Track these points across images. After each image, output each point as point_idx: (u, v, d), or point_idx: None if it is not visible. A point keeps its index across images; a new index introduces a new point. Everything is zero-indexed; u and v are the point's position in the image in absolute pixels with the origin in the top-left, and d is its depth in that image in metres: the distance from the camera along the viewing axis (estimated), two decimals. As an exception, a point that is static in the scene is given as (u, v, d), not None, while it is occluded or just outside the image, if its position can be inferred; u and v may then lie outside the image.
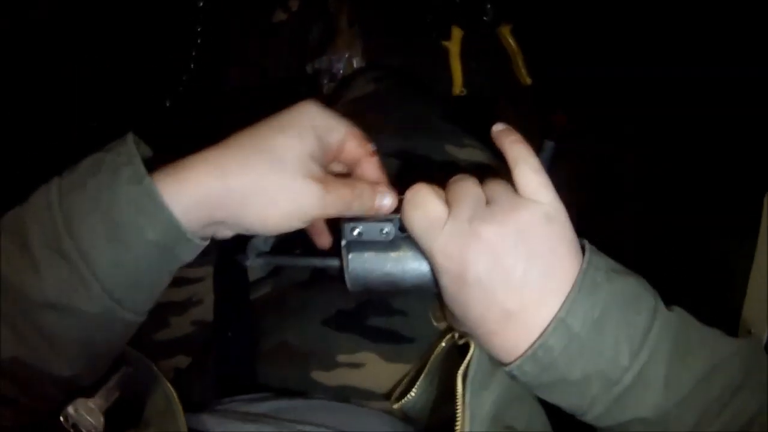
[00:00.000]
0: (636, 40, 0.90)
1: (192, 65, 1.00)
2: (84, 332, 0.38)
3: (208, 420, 0.42)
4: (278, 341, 0.54)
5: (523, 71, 1.00)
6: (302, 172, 0.38)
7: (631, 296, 0.37)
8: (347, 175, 0.44)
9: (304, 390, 0.53)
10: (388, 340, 0.52)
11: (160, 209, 0.36)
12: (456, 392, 0.38)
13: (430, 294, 0.43)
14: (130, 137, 0.39)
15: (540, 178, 0.38)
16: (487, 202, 0.38)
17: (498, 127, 0.40)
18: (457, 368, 0.39)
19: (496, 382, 0.40)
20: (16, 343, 0.37)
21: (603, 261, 0.38)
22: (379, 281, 0.43)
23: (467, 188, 0.39)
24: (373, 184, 0.42)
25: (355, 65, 0.93)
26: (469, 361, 0.39)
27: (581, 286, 0.36)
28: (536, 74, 1.01)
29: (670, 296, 0.39)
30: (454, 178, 0.40)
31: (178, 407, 0.38)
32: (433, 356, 0.44)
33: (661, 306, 0.37)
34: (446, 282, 0.38)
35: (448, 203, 0.39)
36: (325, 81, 0.92)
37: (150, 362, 0.42)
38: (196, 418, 0.42)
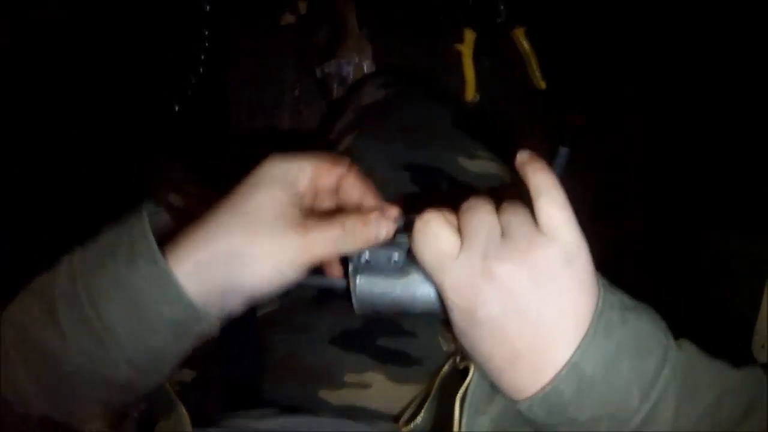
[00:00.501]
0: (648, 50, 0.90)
1: (200, 69, 0.99)
2: (108, 394, 0.40)
3: None
4: (285, 359, 0.54)
5: (538, 75, 0.99)
6: (278, 225, 0.39)
7: (643, 337, 0.36)
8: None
9: (310, 408, 0.52)
10: (396, 361, 0.52)
11: (174, 290, 0.38)
12: (453, 416, 0.38)
13: (439, 318, 0.42)
14: (145, 219, 0.40)
15: (564, 215, 0.36)
16: (503, 234, 0.37)
17: (522, 157, 0.38)
18: (458, 391, 0.39)
19: (494, 405, 0.39)
20: (45, 402, 0.39)
21: (617, 299, 0.37)
22: (388, 306, 0.42)
23: (481, 219, 0.37)
24: (364, 215, 0.41)
25: (365, 69, 0.92)
26: (468, 385, 0.39)
27: (596, 329, 0.35)
28: (551, 78, 0.99)
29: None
30: (468, 204, 0.38)
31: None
32: (437, 379, 0.44)
33: (672, 344, 0.37)
34: (456, 317, 0.37)
35: (460, 233, 0.38)
36: (335, 85, 0.91)
37: (169, 388, 0.43)
38: None
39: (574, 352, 0.34)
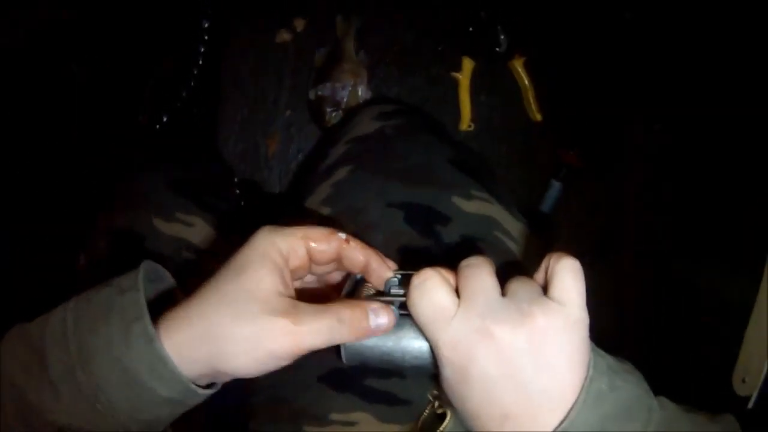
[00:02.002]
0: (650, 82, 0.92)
1: (192, 82, 0.98)
2: None
3: None
4: (272, 396, 0.55)
5: (534, 107, 1.00)
6: (267, 312, 0.38)
7: (629, 404, 0.37)
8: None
9: None
10: (384, 401, 0.53)
11: (171, 373, 0.38)
12: None
13: (429, 374, 0.42)
14: (141, 280, 0.40)
15: (580, 287, 0.37)
16: (506, 295, 0.38)
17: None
18: None
19: None
20: None
21: (604, 362, 0.38)
22: (377, 359, 0.42)
23: (482, 280, 0.38)
24: (362, 306, 0.41)
25: (360, 94, 0.91)
26: (443, 430, 0.41)
27: (586, 398, 0.36)
28: (547, 111, 1.00)
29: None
30: (467, 262, 0.39)
31: None
32: (419, 422, 0.46)
33: (654, 405, 0.38)
34: (448, 373, 0.38)
35: (458, 291, 0.38)
36: (329, 109, 0.90)
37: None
38: None
39: (563, 421, 0.35)
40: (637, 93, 0.95)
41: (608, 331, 0.42)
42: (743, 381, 0.59)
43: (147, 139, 0.98)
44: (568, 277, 0.37)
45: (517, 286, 0.38)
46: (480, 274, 0.38)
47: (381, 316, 0.40)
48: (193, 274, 0.57)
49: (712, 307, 0.70)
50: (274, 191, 0.97)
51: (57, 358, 0.39)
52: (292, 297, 0.40)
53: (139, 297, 0.39)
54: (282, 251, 0.40)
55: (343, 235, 0.42)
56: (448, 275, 0.39)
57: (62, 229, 0.87)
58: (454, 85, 1.00)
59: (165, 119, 0.99)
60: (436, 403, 0.44)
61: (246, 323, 0.38)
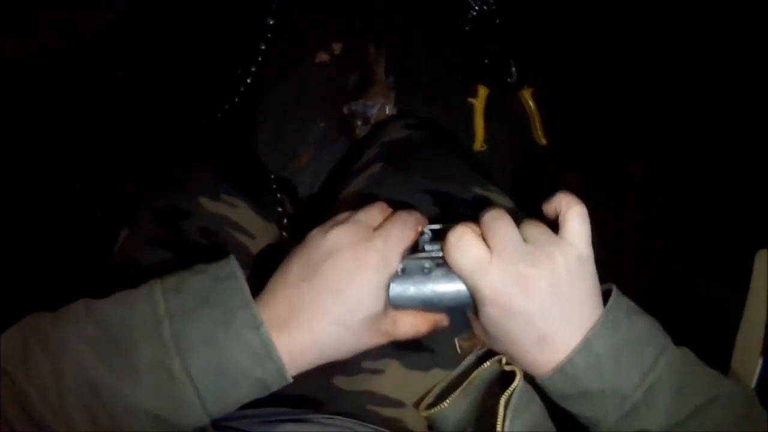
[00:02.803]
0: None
1: (235, 98, 1.05)
2: None
3: None
4: None
5: (540, 132, 1.07)
6: (371, 335, 0.44)
7: (645, 332, 0.43)
8: None
9: (321, 398, 0.56)
10: (410, 348, 0.55)
11: (271, 358, 0.40)
12: (498, 415, 0.42)
13: (463, 311, 0.47)
14: (238, 269, 0.42)
15: (586, 229, 0.43)
16: (526, 240, 0.43)
17: (562, 194, 0.45)
18: (499, 391, 0.44)
19: (528, 413, 0.44)
20: (91, 430, 0.38)
21: (625, 302, 0.44)
22: (419, 304, 0.46)
23: (506, 230, 0.43)
24: (437, 318, 0.47)
25: (387, 112, 0.99)
26: (514, 389, 0.43)
27: (605, 319, 0.42)
28: (552, 136, 1.07)
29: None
30: (489, 215, 0.43)
31: None
32: (474, 374, 0.48)
33: (670, 343, 0.44)
34: (491, 311, 0.43)
35: (487, 241, 0.43)
36: (359, 123, 0.99)
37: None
38: None
39: (588, 333, 0.41)
40: (635, 109, 1.00)
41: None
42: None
43: (190, 139, 1.01)
44: (577, 222, 0.42)
45: (533, 231, 0.43)
46: (504, 224, 0.43)
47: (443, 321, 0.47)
48: (234, 249, 0.62)
49: (707, 308, 0.71)
50: (306, 194, 1.03)
51: (146, 346, 0.39)
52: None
53: (241, 285, 0.41)
54: (392, 273, 0.43)
55: (421, 225, 0.46)
56: (477, 229, 0.43)
57: (61, 230, 0.90)
58: (470, 109, 1.06)
59: (204, 126, 1.04)
60: (503, 359, 0.46)
61: (352, 341, 0.43)
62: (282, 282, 0.43)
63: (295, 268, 0.43)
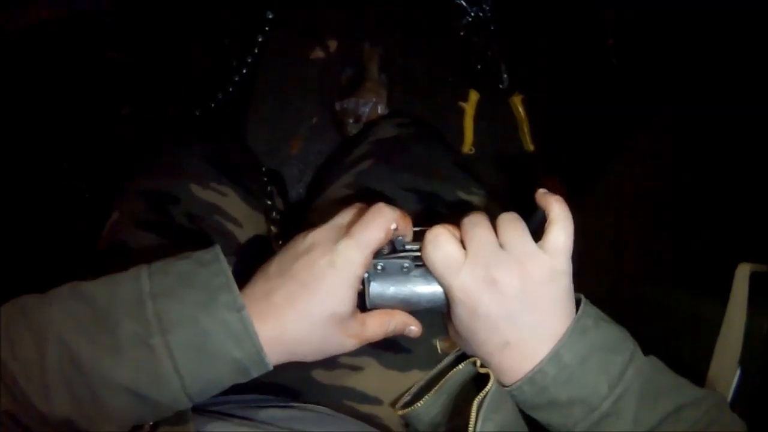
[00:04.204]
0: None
1: (229, 88, 1.05)
2: (142, 413, 0.41)
3: (204, 421, 0.45)
4: None
5: (528, 138, 1.08)
6: (340, 333, 0.44)
7: (613, 341, 0.43)
8: None
9: (299, 388, 0.56)
10: (389, 348, 0.55)
11: (250, 340, 0.40)
12: (470, 416, 0.43)
13: (441, 312, 0.48)
14: (222, 255, 0.42)
15: (568, 243, 0.43)
16: (502, 246, 0.43)
17: (542, 191, 0.45)
18: (473, 393, 0.44)
19: (500, 414, 0.44)
20: (71, 407, 0.39)
21: (594, 311, 0.45)
22: (397, 304, 0.47)
23: (483, 234, 0.43)
24: (406, 318, 0.48)
25: (379, 111, 1.00)
26: (487, 392, 0.44)
27: (574, 329, 0.42)
28: (539, 143, 1.09)
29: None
30: (469, 219, 0.45)
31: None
32: (449, 375, 0.48)
33: (638, 351, 0.44)
34: (460, 311, 0.44)
35: (464, 244, 0.44)
36: (350, 120, 1.00)
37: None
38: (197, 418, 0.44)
39: (557, 343, 0.42)
40: (625, 119, 0.99)
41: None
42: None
43: (181, 124, 1.00)
44: (561, 236, 0.42)
45: (511, 237, 0.43)
46: (482, 229, 0.43)
47: (413, 327, 0.48)
48: (221, 236, 0.63)
49: (686, 317, 0.71)
50: (294, 184, 1.04)
51: (128, 323, 0.39)
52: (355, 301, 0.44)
53: (224, 269, 0.42)
54: (359, 274, 0.43)
55: (394, 226, 0.45)
56: (454, 230, 0.45)
57: (47, 211, 0.90)
58: (460, 112, 1.07)
59: (197, 114, 1.03)
60: (478, 362, 0.46)
61: (318, 339, 0.43)
62: (262, 277, 0.44)
63: (274, 265, 0.44)
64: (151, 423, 0.43)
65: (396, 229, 0.46)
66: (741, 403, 0.46)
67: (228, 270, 0.42)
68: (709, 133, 0.82)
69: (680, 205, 0.84)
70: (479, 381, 0.46)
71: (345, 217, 0.47)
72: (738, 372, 0.59)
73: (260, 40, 1.01)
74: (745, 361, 0.59)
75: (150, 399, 0.40)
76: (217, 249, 0.43)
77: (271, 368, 0.43)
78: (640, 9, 0.98)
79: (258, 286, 0.44)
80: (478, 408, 0.43)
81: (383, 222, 0.44)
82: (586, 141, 1.05)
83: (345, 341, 0.44)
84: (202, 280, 0.41)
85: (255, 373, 0.42)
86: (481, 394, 0.44)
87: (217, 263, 0.42)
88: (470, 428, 0.43)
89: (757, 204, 0.70)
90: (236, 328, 0.40)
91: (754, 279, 0.61)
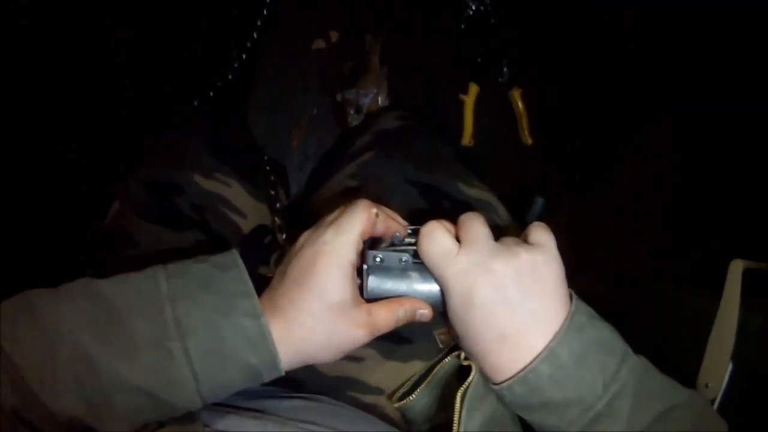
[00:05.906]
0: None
1: (229, 75, 1.04)
2: (153, 413, 0.41)
3: (217, 417, 0.45)
4: None
5: (526, 132, 1.09)
6: (346, 324, 0.43)
7: (607, 340, 0.43)
8: None
9: (301, 378, 0.57)
10: (390, 339, 0.54)
11: (268, 348, 0.41)
12: (454, 407, 0.43)
13: (437, 311, 0.48)
14: (240, 260, 0.43)
15: (550, 236, 0.44)
16: (496, 241, 0.44)
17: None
18: (457, 385, 0.44)
19: (486, 403, 0.44)
20: (81, 406, 0.39)
21: (585, 307, 0.44)
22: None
23: (479, 227, 0.44)
24: (415, 303, 0.46)
25: (380, 102, 1.01)
26: (469, 383, 0.44)
27: (570, 324, 0.41)
28: (537, 136, 1.09)
29: (634, 346, 0.45)
30: (465, 216, 0.45)
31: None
32: (437, 368, 0.49)
33: (630, 351, 0.43)
34: (454, 302, 0.43)
35: (459, 238, 0.44)
36: (351, 111, 1.00)
37: None
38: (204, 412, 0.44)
39: (552, 340, 0.41)
40: (626, 115, 1.01)
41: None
42: (706, 386, 0.61)
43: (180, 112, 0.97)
44: (541, 230, 0.44)
45: (504, 238, 0.44)
46: (477, 224, 0.44)
47: (424, 310, 0.46)
48: (225, 227, 0.64)
49: (680, 312, 0.71)
50: (294, 175, 1.04)
51: (146, 325, 0.39)
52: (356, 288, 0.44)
53: (244, 276, 0.42)
54: (352, 259, 0.43)
55: (379, 216, 0.46)
56: (449, 226, 0.45)
57: (46, 200, 0.90)
58: (460, 105, 1.08)
59: (195, 103, 1.03)
60: (462, 354, 0.46)
61: (325, 332, 0.42)
62: (269, 287, 0.45)
63: (277, 273, 0.45)
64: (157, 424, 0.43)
65: (377, 215, 0.46)
66: (732, 398, 0.46)
67: (247, 275, 0.42)
68: (708, 133, 0.82)
69: (679, 203, 0.85)
70: (463, 375, 0.46)
71: (330, 216, 0.47)
72: (730, 367, 0.59)
73: (259, 24, 0.99)
74: (737, 357, 0.59)
75: (163, 400, 0.40)
76: (235, 254, 0.44)
77: (284, 373, 0.43)
78: (640, 9, 0.99)
79: (266, 294, 0.44)
80: (462, 399, 0.43)
81: (363, 207, 0.45)
82: (586, 141, 1.05)
83: (354, 333, 0.43)
84: (221, 285, 0.41)
85: (267, 378, 0.43)
86: (464, 385, 0.44)
87: (236, 268, 0.43)
88: (455, 419, 0.43)
89: (752, 202, 0.71)
90: (254, 335, 0.40)
91: (747, 275, 0.61)
